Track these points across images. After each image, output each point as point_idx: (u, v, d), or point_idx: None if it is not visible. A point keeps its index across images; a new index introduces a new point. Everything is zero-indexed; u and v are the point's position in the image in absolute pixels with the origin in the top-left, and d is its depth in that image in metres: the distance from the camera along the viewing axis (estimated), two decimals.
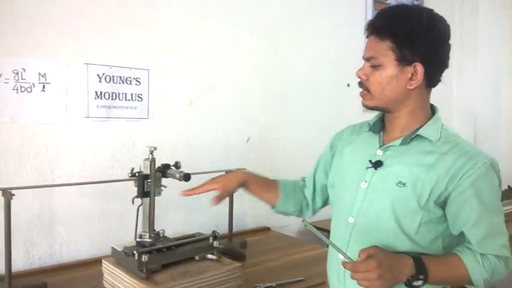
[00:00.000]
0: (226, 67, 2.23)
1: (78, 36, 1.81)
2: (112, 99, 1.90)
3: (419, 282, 1.10)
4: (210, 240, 1.60)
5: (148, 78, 1.99)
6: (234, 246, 1.98)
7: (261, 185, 1.45)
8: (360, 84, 1.20)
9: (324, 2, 2.63)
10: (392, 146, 1.22)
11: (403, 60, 1.15)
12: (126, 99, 1.93)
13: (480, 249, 1.15)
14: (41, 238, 1.78)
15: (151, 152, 1.55)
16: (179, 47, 2.08)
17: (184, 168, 1.83)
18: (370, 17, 2.78)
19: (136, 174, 1.54)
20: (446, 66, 1.24)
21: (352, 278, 1.08)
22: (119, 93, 1.91)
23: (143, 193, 1.53)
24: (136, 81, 1.95)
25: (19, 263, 1.72)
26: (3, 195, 1.46)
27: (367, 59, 1.18)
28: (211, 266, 1.53)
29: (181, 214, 2.12)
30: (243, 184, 1.39)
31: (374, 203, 1.21)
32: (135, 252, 1.44)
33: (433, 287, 1.17)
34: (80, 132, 1.83)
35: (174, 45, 2.06)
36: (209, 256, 1.58)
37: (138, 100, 1.96)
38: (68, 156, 1.81)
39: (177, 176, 1.53)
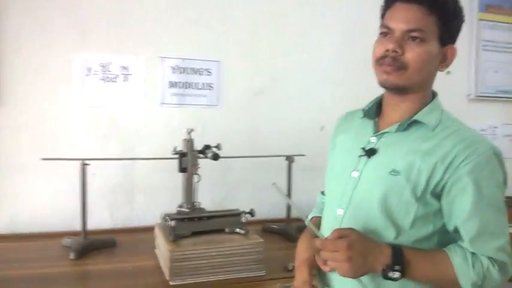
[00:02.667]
0: (299, 57, 2.32)
1: (155, 33, 2.11)
2: (185, 88, 2.16)
3: (396, 274, 1.02)
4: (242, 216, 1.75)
5: (218, 68, 2.20)
6: (289, 228, 2.08)
7: None
8: (391, 59, 1.06)
9: None
10: (387, 132, 1.14)
11: (444, 40, 1.08)
12: (197, 88, 2.18)
13: (472, 248, 1.04)
14: (123, 204, 2.14)
15: (189, 133, 1.76)
16: (249, 38, 2.24)
17: (253, 153, 2.09)
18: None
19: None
20: None
21: (321, 256, 1.06)
22: (191, 83, 2.17)
23: (181, 169, 1.75)
24: (207, 71, 2.18)
25: (105, 223, 2.10)
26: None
27: (407, 31, 1.05)
28: (234, 239, 1.68)
29: (250, 194, 2.28)
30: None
31: (365, 194, 1.13)
32: (167, 218, 1.67)
33: (418, 285, 1.08)
34: (155, 116, 2.14)
35: (244, 37, 2.23)
36: (237, 230, 1.73)
37: (208, 89, 2.19)
38: (146, 137, 2.14)
39: (208, 155, 1.71)
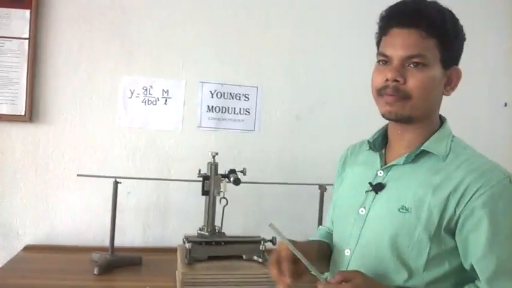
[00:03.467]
0: (338, 83, 2.27)
1: (196, 58, 2.17)
2: (222, 112, 2.19)
3: None
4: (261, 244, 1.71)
5: (256, 94, 2.20)
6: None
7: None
8: (393, 89, 0.99)
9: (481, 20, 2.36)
10: (395, 165, 1.06)
11: (447, 62, 1.01)
12: (234, 113, 2.19)
13: None
14: (156, 222, 2.18)
15: (213, 157, 1.76)
16: (288, 64, 2.24)
17: (287, 179, 2.07)
18: None
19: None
20: None
21: None
22: (228, 107, 2.19)
23: (203, 191, 1.75)
24: (245, 97, 2.20)
25: (137, 241, 2.15)
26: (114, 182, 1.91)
27: (407, 58, 0.99)
28: (250, 266, 1.64)
29: (283, 222, 2.22)
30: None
31: (373, 233, 1.04)
32: (184, 240, 1.68)
33: None
34: (193, 139, 2.18)
35: (283, 63, 2.23)
36: (255, 258, 1.69)
37: (245, 114, 2.20)
38: (182, 159, 2.17)
39: (231, 179, 1.71)
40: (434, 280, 0.99)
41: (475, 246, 0.95)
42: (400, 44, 1.00)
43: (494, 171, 0.96)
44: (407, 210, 0.99)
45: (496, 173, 0.96)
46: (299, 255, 0.99)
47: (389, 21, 1.04)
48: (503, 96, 2.39)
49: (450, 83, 1.04)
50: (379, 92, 1.04)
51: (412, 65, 0.99)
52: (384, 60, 1.04)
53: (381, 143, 1.15)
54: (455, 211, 0.95)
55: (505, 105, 2.37)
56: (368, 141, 1.16)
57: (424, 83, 0.99)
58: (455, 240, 0.98)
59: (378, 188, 1.06)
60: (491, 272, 0.93)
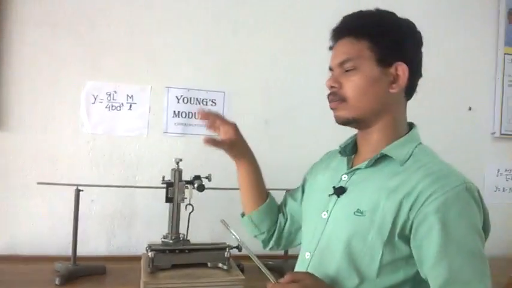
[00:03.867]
0: (307, 88, 2.27)
1: (162, 63, 2.14)
2: (188, 117, 2.16)
3: None
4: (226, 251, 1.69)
5: (223, 99, 2.19)
6: (285, 265, 1.99)
7: (254, 174, 1.38)
8: (332, 95, 1.08)
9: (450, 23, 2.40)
10: (358, 168, 1.08)
11: (384, 60, 1.03)
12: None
13: None
14: (121, 230, 2.13)
15: (177, 163, 1.74)
16: (255, 69, 2.23)
17: None
18: (502, 31, 2.40)
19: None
20: (421, 75, 1.10)
21: None
22: (195, 113, 2.16)
23: (167, 198, 1.73)
24: (212, 102, 2.18)
25: (101, 250, 2.11)
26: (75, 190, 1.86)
27: (339, 64, 1.06)
28: (215, 274, 1.62)
29: None
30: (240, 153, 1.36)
31: (331, 237, 1.06)
32: (147, 249, 1.65)
33: None
34: (159, 145, 2.15)
35: (251, 69, 2.22)
36: (220, 265, 1.67)
37: None
38: (148, 165, 2.14)
39: (195, 185, 1.68)
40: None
41: (427, 254, 0.94)
42: (336, 53, 1.09)
43: (451, 177, 0.96)
44: (361, 213, 1.00)
45: (452, 179, 0.95)
46: (250, 253, 1.07)
47: (331, 38, 1.12)
48: (468, 100, 2.43)
49: (397, 79, 1.04)
50: (328, 99, 1.11)
51: (347, 71, 1.05)
52: (331, 72, 1.12)
53: (351, 149, 1.17)
54: (408, 216, 0.95)
55: (470, 109, 2.41)
56: (340, 147, 1.19)
57: (357, 84, 1.04)
58: (410, 248, 0.97)
59: (339, 191, 1.08)
60: (442, 283, 0.91)
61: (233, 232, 1.09)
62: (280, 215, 1.35)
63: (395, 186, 0.98)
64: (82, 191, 1.85)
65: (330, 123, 2.21)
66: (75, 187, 1.84)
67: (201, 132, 2.18)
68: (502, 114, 2.42)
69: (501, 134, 2.43)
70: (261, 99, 2.24)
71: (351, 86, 1.04)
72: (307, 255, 1.11)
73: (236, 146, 1.30)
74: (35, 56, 2.04)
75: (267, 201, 1.33)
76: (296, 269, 1.14)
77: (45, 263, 1.93)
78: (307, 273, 1.00)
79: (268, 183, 2.08)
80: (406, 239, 0.96)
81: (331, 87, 1.08)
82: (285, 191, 2.01)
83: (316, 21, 2.28)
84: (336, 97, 1.07)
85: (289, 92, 2.26)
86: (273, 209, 1.34)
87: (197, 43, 2.17)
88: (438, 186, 0.93)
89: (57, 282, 1.73)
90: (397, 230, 0.96)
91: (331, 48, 1.13)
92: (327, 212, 1.09)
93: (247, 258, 1.97)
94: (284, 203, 1.37)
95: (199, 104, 2.17)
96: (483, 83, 2.45)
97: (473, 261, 0.92)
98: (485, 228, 0.97)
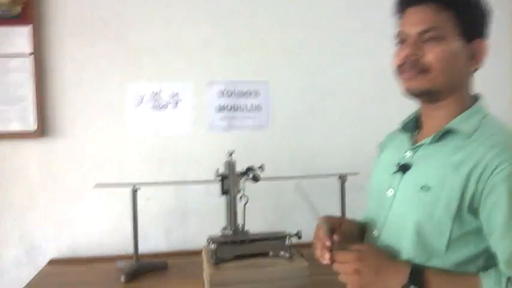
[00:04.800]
0: (349, 71, 2.24)
1: (203, 59, 2.15)
2: (233, 111, 2.17)
3: None
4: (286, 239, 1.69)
5: (266, 89, 2.19)
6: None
7: (356, 232, 1.25)
8: (411, 64, 1.01)
9: None
10: (423, 144, 1.06)
11: (467, 35, 1.01)
12: (246, 110, 2.18)
13: (508, 271, 0.91)
14: (177, 227, 2.17)
15: (230, 155, 1.75)
16: (296, 56, 2.21)
17: (305, 172, 2.06)
18: None
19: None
20: None
21: (334, 269, 1.03)
22: (239, 105, 2.17)
23: (223, 191, 1.74)
24: (255, 93, 2.18)
25: (161, 246, 2.15)
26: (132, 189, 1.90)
27: (421, 32, 1.00)
28: (278, 263, 1.63)
29: (305, 216, 2.21)
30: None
31: (398, 213, 1.06)
32: (209, 241, 1.67)
33: None
34: (206, 140, 2.17)
35: (291, 55, 2.21)
36: (281, 253, 1.67)
37: (256, 110, 2.18)
38: (197, 161, 2.16)
39: (249, 176, 1.69)
40: (462, 262, 0.97)
41: (495, 225, 0.92)
42: (414, 20, 1.02)
43: None
44: (428, 189, 0.99)
45: None
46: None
47: (402, 3, 1.06)
48: None
49: (474, 57, 1.02)
50: (399, 70, 1.05)
51: (428, 40, 1.00)
52: (401, 40, 1.05)
53: (413, 125, 1.15)
54: (476, 188, 0.93)
55: None
56: (401, 123, 1.18)
57: (442, 56, 0.99)
58: (480, 221, 0.95)
59: (404, 168, 1.07)
60: (509, 254, 0.90)
61: (308, 200, 1.16)
62: None
63: (461, 160, 0.96)
64: (139, 189, 1.89)
65: (373, 104, 2.23)
66: (131, 187, 1.88)
67: (246, 124, 2.19)
68: None
69: None
70: (303, 86, 2.22)
71: (435, 57, 0.99)
72: (375, 232, 1.12)
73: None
74: (78, 64, 2.09)
75: None
76: None
77: (106, 263, 2.00)
78: (370, 244, 1.04)
79: (319, 170, 2.10)
80: (475, 212, 0.95)
81: (412, 55, 1.00)
82: (338, 176, 2.03)
83: (353, 5, 2.26)
84: (416, 67, 1.00)
85: (330, 77, 2.24)
86: None
87: (234, 35, 2.18)
88: (505, 157, 0.92)
89: (122, 280, 1.78)
90: (466, 204, 0.94)
91: (399, 12, 1.07)
92: (392, 189, 1.08)
93: (307, 246, 1.99)
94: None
95: (243, 96, 2.17)
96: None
97: None
98: None
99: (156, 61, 2.13)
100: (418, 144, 1.08)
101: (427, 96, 1.05)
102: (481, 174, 0.93)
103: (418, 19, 1.01)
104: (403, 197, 1.06)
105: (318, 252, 1.13)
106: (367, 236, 1.19)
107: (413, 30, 1.01)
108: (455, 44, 1.00)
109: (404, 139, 1.15)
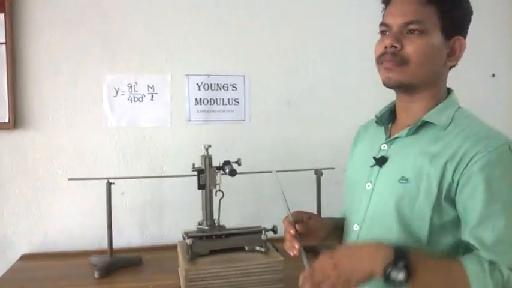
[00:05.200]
0: (327, 68, 2.25)
1: (180, 51, 2.12)
2: (210, 104, 2.15)
3: (401, 275, 0.88)
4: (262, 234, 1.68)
5: (244, 83, 2.17)
6: (320, 246, 1.98)
7: (331, 231, 1.24)
8: (391, 55, 1.01)
9: None
10: (398, 137, 1.07)
11: (447, 31, 1.01)
12: (223, 104, 2.16)
13: (489, 255, 0.92)
14: (153, 221, 2.14)
15: (207, 149, 1.73)
16: (274, 51, 2.20)
17: (282, 167, 2.00)
18: None
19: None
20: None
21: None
22: (216, 99, 2.15)
23: (199, 185, 1.72)
24: (233, 87, 2.16)
25: (135, 241, 2.12)
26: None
27: (404, 24, 1.00)
28: (254, 257, 1.62)
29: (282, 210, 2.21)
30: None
31: (378, 206, 1.06)
32: (184, 236, 1.65)
33: None
34: (183, 133, 2.14)
35: (269, 50, 2.20)
36: (257, 248, 1.67)
37: (234, 104, 2.17)
38: (174, 154, 2.14)
39: (226, 171, 1.68)
40: (442, 253, 0.98)
41: (472, 215, 0.94)
42: (398, 11, 1.02)
43: (493, 137, 0.96)
44: (407, 180, 1.00)
45: (495, 139, 0.95)
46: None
47: None
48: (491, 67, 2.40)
49: (453, 53, 1.03)
50: (379, 60, 1.05)
51: (410, 32, 1.00)
52: (384, 30, 1.05)
53: (388, 117, 1.16)
54: (453, 179, 0.95)
55: (493, 75, 2.38)
56: (375, 116, 1.17)
57: (422, 49, 0.99)
58: (456, 210, 0.97)
59: (380, 161, 1.07)
60: (490, 241, 0.92)
61: (282, 191, 1.16)
62: None
63: (438, 151, 0.98)
64: (113, 184, 1.86)
65: (351, 99, 2.23)
66: (105, 180, 1.85)
67: (224, 118, 2.17)
68: None
69: None
70: (281, 80, 2.21)
71: (416, 50, 0.99)
72: (356, 227, 1.11)
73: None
74: (52, 54, 2.03)
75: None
76: (346, 241, 1.16)
77: (80, 258, 1.96)
78: (340, 248, 1.01)
79: (296, 164, 2.09)
80: (452, 202, 0.97)
81: (392, 46, 1.01)
82: (313, 171, 2.03)
83: (334, 4, 2.26)
84: (395, 57, 1.00)
85: (308, 72, 2.24)
86: None
87: (213, 28, 2.15)
88: (481, 147, 0.93)
89: (96, 276, 1.75)
90: (443, 194, 0.96)
91: (386, 2, 1.08)
92: (370, 182, 1.08)
93: (282, 240, 1.99)
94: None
95: (221, 89, 2.15)
96: (506, 51, 2.41)
97: None
98: None
99: (132, 53, 2.09)
100: (394, 136, 1.08)
101: (404, 88, 1.05)
102: (457, 165, 0.94)
103: (403, 11, 1.01)
104: (383, 189, 1.06)
105: (286, 244, 1.13)
106: (346, 231, 1.19)
107: (397, 21, 1.01)
108: (436, 38, 1.00)
109: (379, 132, 1.16)
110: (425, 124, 1.03)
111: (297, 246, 1.08)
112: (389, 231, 1.02)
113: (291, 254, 1.11)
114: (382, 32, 1.07)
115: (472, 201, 0.93)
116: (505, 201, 0.92)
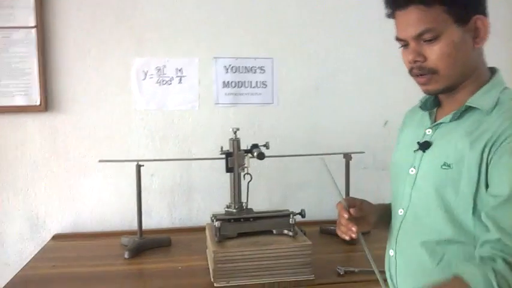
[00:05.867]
0: (355, 49, 2.20)
1: (208, 35, 2.11)
2: (238, 87, 2.14)
3: None
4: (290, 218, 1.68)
5: (272, 66, 2.15)
6: None
7: (380, 219, 1.23)
8: (418, 69, 1.01)
9: None
10: (443, 122, 1.05)
11: (462, 19, 0.97)
12: (251, 87, 2.15)
13: (505, 239, 0.86)
14: (181, 203, 2.16)
15: (235, 132, 1.73)
16: (302, 33, 2.17)
17: (310, 150, 2.02)
18: None
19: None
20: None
21: None
22: (244, 82, 2.14)
23: (227, 168, 1.72)
24: (261, 69, 2.15)
25: (164, 222, 2.15)
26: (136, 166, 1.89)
27: (417, 36, 0.98)
28: (282, 241, 1.62)
29: (310, 194, 2.20)
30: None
31: (422, 191, 1.05)
32: (212, 218, 1.66)
33: None
34: (211, 116, 2.14)
35: (297, 32, 2.17)
36: (285, 232, 1.67)
37: (262, 87, 2.15)
38: (202, 137, 2.14)
39: (254, 154, 1.67)
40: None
41: (497, 195, 0.90)
42: (405, 25, 1.01)
43: None
44: (449, 166, 0.98)
45: None
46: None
47: (388, 5, 1.05)
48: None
49: (478, 34, 0.99)
50: (411, 74, 1.05)
51: (426, 41, 0.98)
52: (402, 44, 1.05)
53: (432, 102, 1.13)
54: (488, 160, 0.92)
55: None
56: (420, 101, 1.16)
57: (444, 53, 0.98)
58: None
59: (424, 146, 1.07)
60: (500, 200, 0.88)
61: (332, 179, 1.15)
62: None
63: (477, 135, 0.95)
64: (143, 166, 1.88)
65: (378, 82, 2.19)
66: (135, 163, 1.87)
67: (252, 101, 2.16)
68: None
69: None
70: (307, 64, 2.18)
71: (439, 56, 0.98)
72: (401, 211, 1.11)
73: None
74: (81, 39, 2.06)
75: None
76: (392, 227, 1.16)
77: (111, 239, 2.00)
78: None
79: (326, 148, 2.07)
80: None
81: (416, 61, 1.00)
82: (342, 155, 2.00)
83: None
84: (424, 70, 1.00)
85: (335, 55, 2.20)
86: None
87: (240, 11, 2.13)
88: None
89: (126, 256, 1.78)
90: (483, 179, 0.93)
91: (390, 16, 1.06)
92: (414, 168, 1.08)
93: (309, 224, 1.98)
94: None
95: (248, 72, 2.14)
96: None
97: None
98: None
99: (160, 36, 2.09)
100: (438, 122, 1.07)
101: (447, 91, 1.04)
102: (492, 146, 0.92)
103: (410, 22, 0.99)
104: (426, 174, 1.05)
105: (341, 229, 1.13)
106: (393, 215, 1.18)
107: (408, 35, 1.00)
108: (454, 34, 0.97)
109: (424, 117, 1.14)
110: (469, 108, 1.01)
111: (354, 229, 1.08)
112: (434, 218, 1.01)
113: (347, 238, 1.12)
114: (402, 46, 1.05)
115: (499, 181, 0.90)
116: None
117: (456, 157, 0.97)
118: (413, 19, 0.98)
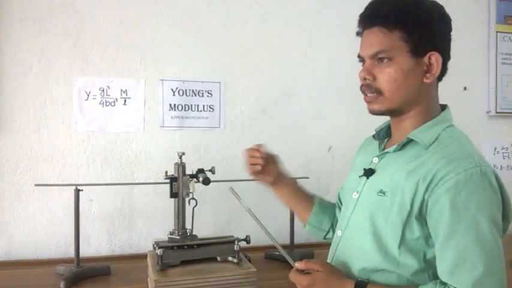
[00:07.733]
0: (303, 76, 2.24)
1: (155, 56, 2.08)
2: (185, 110, 2.11)
3: None
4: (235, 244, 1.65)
5: (219, 90, 2.14)
6: (292, 255, 1.97)
7: (293, 191, 1.42)
8: (366, 87, 1.07)
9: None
10: (388, 152, 1.10)
11: (418, 50, 1.02)
12: (198, 110, 2.13)
13: (451, 282, 0.93)
14: (122, 230, 2.08)
15: (180, 157, 1.70)
16: (250, 58, 2.19)
17: None
18: (493, 8, 2.41)
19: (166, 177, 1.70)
20: (450, 57, 1.09)
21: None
22: (191, 105, 2.12)
23: (172, 194, 1.68)
24: (208, 93, 2.13)
25: (103, 250, 2.06)
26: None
27: (372, 56, 1.04)
28: (226, 268, 1.59)
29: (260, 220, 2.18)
30: (276, 180, 1.39)
31: (359, 215, 1.11)
32: (155, 246, 1.60)
33: None
34: (156, 140, 2.10)
35: (245, 57, 2.18)
36: (229, 258, 1.64)
37: (209, 110, 2.14)
38: (145, 161, 2.09)
39: (200, 179, 1.64)
40: (415, 271, 1.00)
41: (437, 235, 0.95)
42: (366, 43, 1.07)
43: (466, 159, 0.96)
44: (384, 194, 1.03)
45: (467, 161, 0.95)
46: (261, 225, 1.26)
47: (359, 24, 1.11)
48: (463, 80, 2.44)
49: (431, 69, 1.04)
50: (361, 90, 1.10)
51: (379, 61, 1.04)
52: (361, 61, 1.11)
53: (385, 133, 1.19)
54: (424, 197, 0.97)
55: (465, 89, 2.42)
56: (374, 131, 1.21)
57: (392, 77, 1.03)
58: (428, 229, 0.98)
59: (369, 173, 1.12)
60: (450, 264, 0.93)
61: (241, 201, 1.27)
62: (336, 209, 1.37)
63: (414, 167, 1.00)
64: (81, 190, 1.80)
65: (327, 109, 2.23)
66: (74, 187, 1.79)
67: (198, 124, 2.14)
68: (496, 93, 2.42)
69: (496, 113, 2.44)
70: (255, 88, 2.20)
71: (386, 79, 1.03)
72: (339, 232, 1.17)
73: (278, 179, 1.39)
74: (22, 54, 1.97)
75: (316, 202, 1.38)
76: (331, 246, 1.21)
77: (46, 267, 1.88)
78: (323, 264, 1.06)
79: None
80: (423, 220, 0.98)
81: (364, 79, 1.06)
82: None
83: (309, 7, 2.25)
84: (370, 89, 1.06)
85: (283, 80, 2.23)
86: (325, 207, 1.38)
87: (189, 33, 2.12)
88: (452, 168, 0.94)
89: (62, 286, 1.68)
90: (415, 211, 0.98)
91: (358, 34, 1.12)
92: (357, 192, 1.13)
93: (255, 250, 1.96)
94: (337, 195, 1.38)
95: (196, 95, 2.12)
96: (477, 62, 2.45)
97: (481, 243, 0.91)
98: (506, 215, 0.98)
99: (105, 55, 2.04)
100: (384, 151, 1.12)
101: (388, 114, 1.10)
102: (429, 184, 0.96)
103: (370, 42, 1.05)
104: (365, 199, 1.10)
105: (251, 160, 1.37)
106: (334, 236, 1.23)
107: (366, 52, 1.06)
108: (405, 62, 1.02)
109: (375, 145, 1.20)
110: (411, 141, 1.05)
111: (260, 161, 1.34)
112: (366, 242, 1.05)
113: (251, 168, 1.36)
114: (361, 63, 1.11)
115: (438, 222, 0.95)
116: (471, 223, 0.92)
117: (392, 186, 1.02)
118: (374, 39, 1.04)
